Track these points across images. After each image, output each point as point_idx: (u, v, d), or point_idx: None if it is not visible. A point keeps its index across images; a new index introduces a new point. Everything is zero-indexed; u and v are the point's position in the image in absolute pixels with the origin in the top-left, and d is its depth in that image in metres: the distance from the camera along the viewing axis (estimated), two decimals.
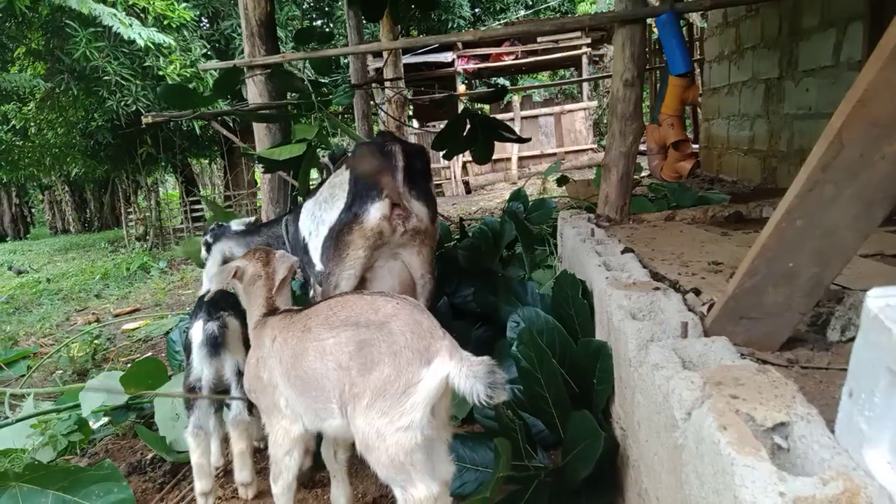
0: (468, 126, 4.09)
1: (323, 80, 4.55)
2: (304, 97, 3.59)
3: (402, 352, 1.55)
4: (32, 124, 12.12)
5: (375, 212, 2.24)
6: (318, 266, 2.54)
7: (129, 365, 3.32)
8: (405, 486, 1.55)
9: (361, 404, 1.57)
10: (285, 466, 1.87)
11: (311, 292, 2.93)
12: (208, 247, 3.06)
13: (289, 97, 4.07)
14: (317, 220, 2.57)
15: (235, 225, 3.16)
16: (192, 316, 2.46)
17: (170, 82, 9.04)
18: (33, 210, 26.86)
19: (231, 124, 10.07)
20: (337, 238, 2.34)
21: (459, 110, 4.19)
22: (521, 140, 4.44)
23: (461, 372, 1.50)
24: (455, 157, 13.66)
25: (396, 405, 1.53)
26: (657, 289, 1.78)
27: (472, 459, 2.03)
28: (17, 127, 11.95)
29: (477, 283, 3.22)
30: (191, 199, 14.05)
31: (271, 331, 1.89)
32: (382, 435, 1.54)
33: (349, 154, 2.67)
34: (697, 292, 1.81)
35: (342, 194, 2.35)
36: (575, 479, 1.78)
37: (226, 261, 2.75)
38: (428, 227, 2.36)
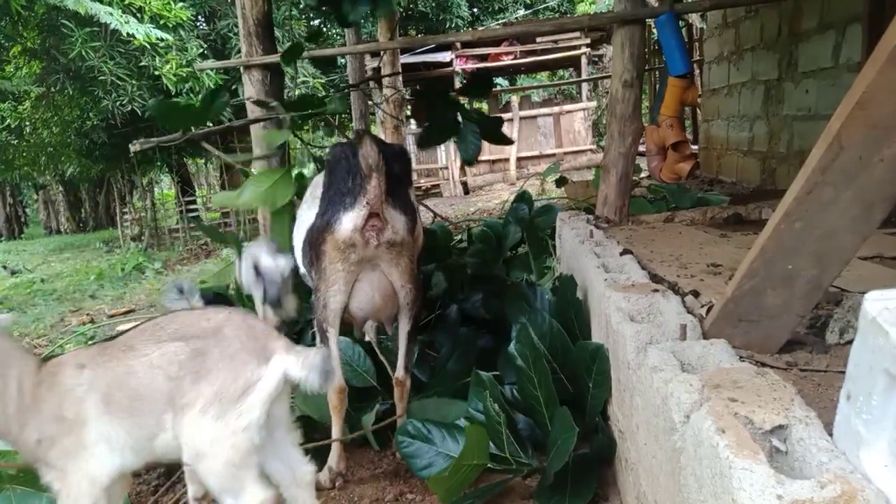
0: (452, 117, 3.97)
1: (308, 95, 4.48)
2: (279, 120, 3.49)
3: (238, 354, 1.59)
4: (27, 123, 12.08)
5: (348, 222, 2.06)
6: (302, 269, 2.51)
7: None
8: (238, 496, 1.55)
9: (193, 412, 1.55)
10: None
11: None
12: (240, 249, 2.97)
13: (285, 97, 4.04)
14: (299, 220, 2.52)
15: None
16: None
17: (166, 82, 9.02)
18: (28, 210, 26.78)
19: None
20: (312, 244, 2.21)
21: (453, 108, 4.07)
22: (505, 141, 4.30)
23: (298, 364, 1.58)
24: (453, 158, 13.68)
25: (233, 408, 1.55)
26: (656, 291, 1.78)
27: (457, 450, 2.03)
28: (12, 126, 11.91)
29: (486, 289, 3.21)
30: (186, 199, 14.01)
31: (71, 367, 1.64)
32: (217, 440, 1.54)
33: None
34: (696, 294, 1.81)
35: (317, 195, 2.23)
36: (550, 474, 1.81)
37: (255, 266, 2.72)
38: (405, 239, 2.17)
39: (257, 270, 2.71)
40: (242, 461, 1.55)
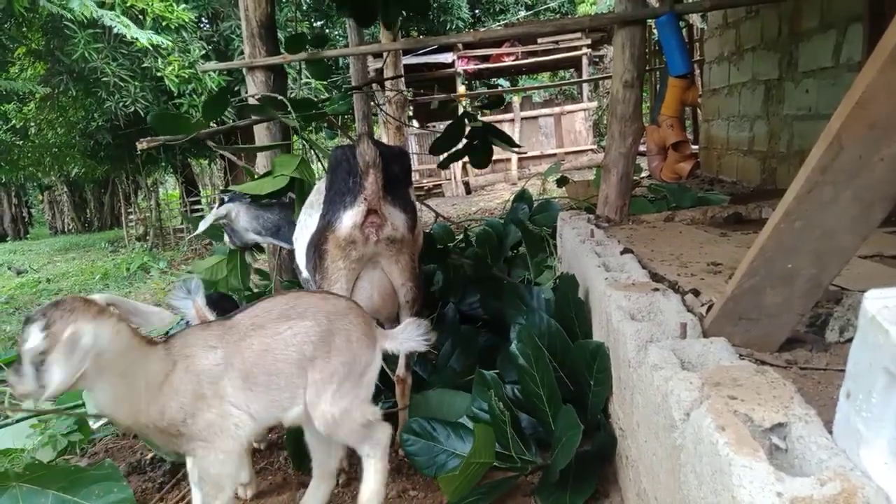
0: (467, 130, 4.07)
1: (311, 98, 4.52)
2: (285, 119, 3.51)
3: (361, 338, 1.85)
4: (32, 124, 12.13)
5: (347, 220, 2.11)
6: (304, 273, 2.53)
7: None
8: (371, 439, 1.85)
9: (327, 387, 1.78)
10: (231, 480, 1.79)
11: None
12: (221, 202, 3.37)
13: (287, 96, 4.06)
14: (302, 224, 2.55)
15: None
16: None
17: (169, 83, 9.05)
18: (33, 210, 26.85)
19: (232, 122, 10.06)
20: (315, 246, 2.24)
21: (459, 113, 4.15)
22: (515, 146, 4.43)
23: (397, 342, 1.92)
24: None
25: (358, 383, 1.84)
26: (656, 289, 1.78)
27: (462, 449, 2.05)
28: (17, 127, 11.95)
29: (483, 290, 3.22)
30: (191, 199, 14.05)
31: (202, 349, 1.75)
32: (348, 410, 1.80)
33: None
34: (696, 293, 1.81)
35: (321, 199, 2.26)
36: (555, 471, 1.82)
37: (228, 220, 3.27)
38: (404, 236, 2.21)
39: (227, 223, 3.28)
40: (370, 416, 1.84)
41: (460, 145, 4.19)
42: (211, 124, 3.90)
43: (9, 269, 11.74)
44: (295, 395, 1.80)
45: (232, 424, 1.74)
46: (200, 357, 1.74)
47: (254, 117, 3.73)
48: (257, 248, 3.74)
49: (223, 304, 2.50)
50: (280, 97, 3.55)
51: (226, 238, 3.52)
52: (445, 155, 4.31)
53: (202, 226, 3.38)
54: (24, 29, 9.41)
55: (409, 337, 1.92)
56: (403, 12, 4.19)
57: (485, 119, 5.33)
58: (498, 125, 5.90)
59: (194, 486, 2.11)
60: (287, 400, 1.80)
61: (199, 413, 1.71)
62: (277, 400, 1.79)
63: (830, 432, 0.95)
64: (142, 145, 3.48)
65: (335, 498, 2.21)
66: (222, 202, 3.37)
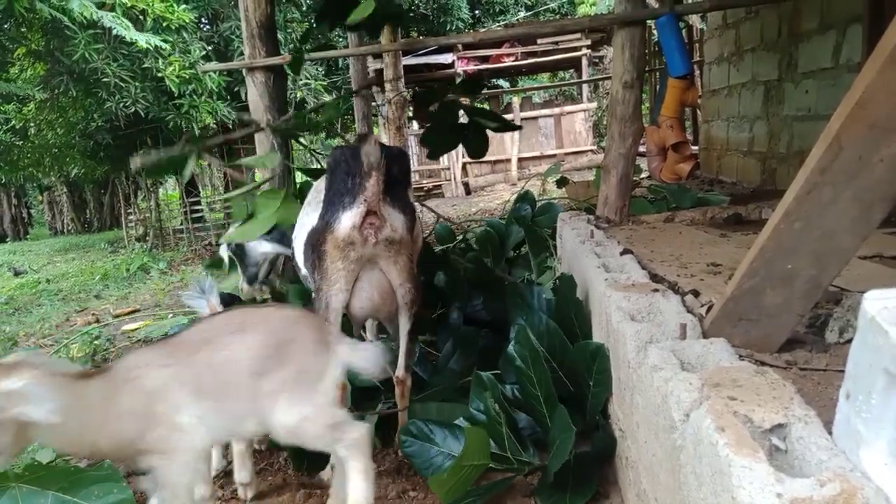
0: (453, 119, 4.00)
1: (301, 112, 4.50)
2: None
3: (313, 345, 1.82)
4: (32, 125, 12.11)
5: (346, 220, 2.10)
6: (303, 271, 2.53)
7: None
8: (343, 441, 1.79)
9: (280, 397, 1.75)
10: (186, 489, 1.82)
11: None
12: (228, 245, 3.39)
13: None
14: (300, 223, 2.56)
15: None
16: None
17: (169, 84, 9.04)
18: (32, 211, 26.84)
19: (232, 127, 10.07)
20: (313, 246, 2.24)
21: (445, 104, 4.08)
22: (511, 128, 4.37)
23: (357, 356, 1.84)
24: (455, 158, 13.70)
25: (314, 389, 1.79)
26: (656, 290, 1.78)
27: (459, 450, 2.04)
28: (17, 127, 11.95)
29: (486, 292, 3.22)
30: (190, 200, 14.04)
31: (156, 368, 1.78)
32: (307, 417, 1.76)
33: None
34: (696, 294, 1.82)
35: (321, 199, 2.26)
36: (550, 472, 1.83)
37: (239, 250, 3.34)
38: (403, 237, 2.20)
39: (240, 250, 3.33)
40: (333, 419, 1.80)
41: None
42: (211, 122, 3.90)
43: (9, 269, 11.74)
44: (251, 407, 1.79)
45: (186, 437, 1.75)
46: (149, 376, 1.75)
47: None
48: (265, 283, 3.70)
49: (233, 303, 2.51)
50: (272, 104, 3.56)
51: (240, 280, 3.46)
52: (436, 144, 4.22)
53: (225, 259, 3.43)
54: (24, 29, 9.41)
55: (365, 358, 1.86)
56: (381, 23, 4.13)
57: None
58: None
59: (148, 493, 2.12)
60: (242, 411, 1.80)
61: (153, 429, 1.73)
62: (232, 412, 1.79)
63: (830, 433, 0.95)
64: (135, 162, 3.47)
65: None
66: (229, 245, 3.42)
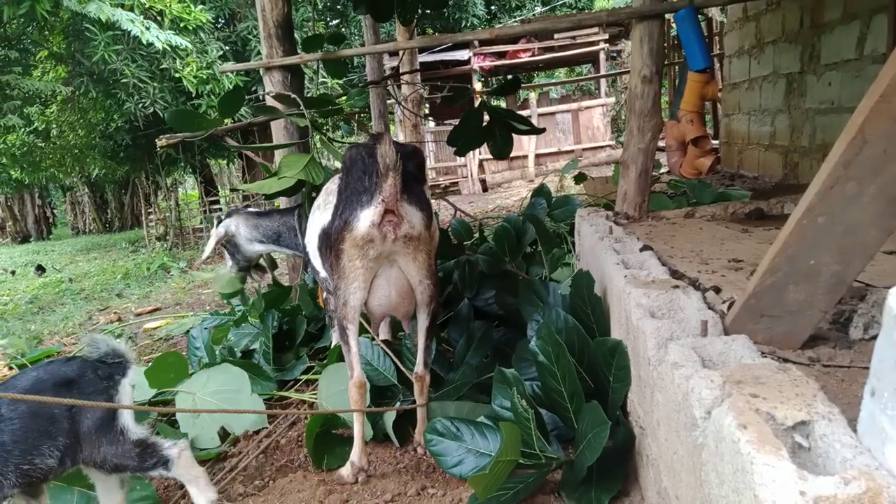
0: (484, 120, 4.05)
1: (327, 95, 4.52)
2: (300, 118, 3.52)
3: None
4: (54, 126, 12.32)
5: (365, 219, 2.10)
6: (322, 273, 2.54)
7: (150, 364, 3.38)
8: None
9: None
10: None
11: (324, 294, 2.96)
12: (218, 221, 3.60)
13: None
14: (312, 224, 2.56)
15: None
16: None
17: (187, 84, 9.13)
18: (56, 211, 27.29)
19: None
20: (330, 246, 2.24)
21: (475, 105, 4.12)
22: (536, 131, 4.39)
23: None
24: (472, 155, 13.68)
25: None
26: (676, 287, 1.77)
27: (486, 447, 2.05)
28: (40, 129, 12.15)
29: (498, 286, 3.21)
30: (210, 199, 14.19)
31: None
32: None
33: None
34: (717, 290, 1.80)
35: (334, 200, 2.26)
36: (582, 467, 1.82)
37: (228, 237, 3.53)
38: (421, 233, 2.20)
39: (232, 246, 3.55)
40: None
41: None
42: (227, 121, 3.95)
43: (33, 268, 11.96)
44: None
45: None
46: None
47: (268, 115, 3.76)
48: (258, 268, 3.82)
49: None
50: (293, 95, 3.57)
51: (227, 262, 3.68)
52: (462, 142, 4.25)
53: (206, 251, 3.62)
54: (46, 32, 9.56)
55: None
56: (419, 10, 4.15)
57: None
58: None
59: None
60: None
61: None
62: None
63: (855, 431, 0.93)
64: (161, 142, 3.55)
65: (353, 495, 2.23)
66: (219, 221, 3.54)
